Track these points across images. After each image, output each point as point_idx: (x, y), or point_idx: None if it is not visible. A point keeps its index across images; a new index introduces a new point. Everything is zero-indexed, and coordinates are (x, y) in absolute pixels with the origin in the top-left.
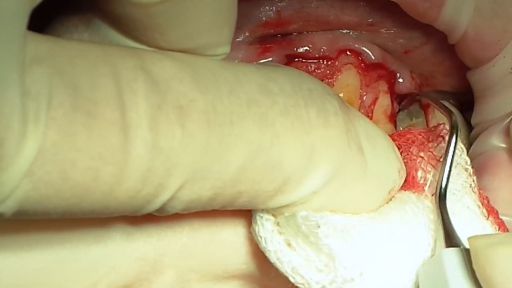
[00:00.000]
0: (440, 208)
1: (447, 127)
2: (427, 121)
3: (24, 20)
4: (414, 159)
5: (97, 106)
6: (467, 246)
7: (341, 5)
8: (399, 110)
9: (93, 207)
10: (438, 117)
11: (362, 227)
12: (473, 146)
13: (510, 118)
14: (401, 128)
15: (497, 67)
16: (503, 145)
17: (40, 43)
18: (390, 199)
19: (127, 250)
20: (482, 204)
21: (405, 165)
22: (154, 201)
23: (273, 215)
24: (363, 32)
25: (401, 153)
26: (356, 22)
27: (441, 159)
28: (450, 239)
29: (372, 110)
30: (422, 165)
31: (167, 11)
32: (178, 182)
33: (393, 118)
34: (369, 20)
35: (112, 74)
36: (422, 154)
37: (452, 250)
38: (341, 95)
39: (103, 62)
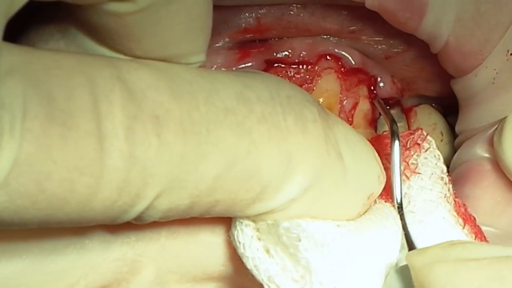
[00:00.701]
0: (401, 221)
1: (424, 133)
2: (408, 126)
3: None
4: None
5: (73, 116)
6: None
7: (322, 13)
8: (380, 114)
9: (69, 217)
10: (420, 121)
11: (342, 241)
12: (457, 153)
13: (494, 128)
14: (382, 132)
15: (479, 77)
16: (487, 155)
17: (15, 54)
18: (370, 205)
19: (105, 251)
20: (458, 213)
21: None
22: (130, 211)
23: (253, 220)
24: (344, 38)
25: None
26: (337, 30)
27: (416, 169)
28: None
29: (353, 114)
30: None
31: (142, 20)
32: (154, 191)
33: (373, 123)
34: (351, 28)
35: (88, 84)
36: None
37: (400, 267)
38: (321, 100)
39: (79, 72)
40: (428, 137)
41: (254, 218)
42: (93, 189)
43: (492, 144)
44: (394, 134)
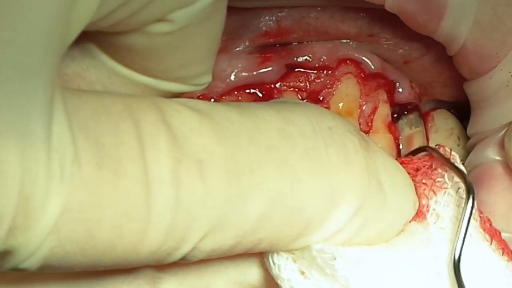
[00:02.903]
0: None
1: (447, 149)
2: (426, 130)
3: (52, 72)
4: (418, 187)
5: (122, 164)
6: None
7: (341, 16)
8: (399, 119)
9: (116, 261)
10: (437, 126)
11: (377, 257)
12: (469, 157)
13: (504, 131)
14: (400, 137)
15: (494, 80)
16: (498, 158)
17: (66, 97)
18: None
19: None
20: (484, 229)
21: None
22: (175, 253)
23: None
24: (363, 42)
25: None
26: (356, 33)
27: (443, 186)
28: None
29: (372, 119)
30: (425, 192)
31: (171, 41)
32: (199, 234)
33: (392, 128)
34: (369, 31)
35: (134, 130)
36: (424, 181)
37: None
38: (340, 104)
39: (126, 117)
40: (453, 153)
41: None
42: (141, 235)
43: (503, 147)
44: (469, 191)
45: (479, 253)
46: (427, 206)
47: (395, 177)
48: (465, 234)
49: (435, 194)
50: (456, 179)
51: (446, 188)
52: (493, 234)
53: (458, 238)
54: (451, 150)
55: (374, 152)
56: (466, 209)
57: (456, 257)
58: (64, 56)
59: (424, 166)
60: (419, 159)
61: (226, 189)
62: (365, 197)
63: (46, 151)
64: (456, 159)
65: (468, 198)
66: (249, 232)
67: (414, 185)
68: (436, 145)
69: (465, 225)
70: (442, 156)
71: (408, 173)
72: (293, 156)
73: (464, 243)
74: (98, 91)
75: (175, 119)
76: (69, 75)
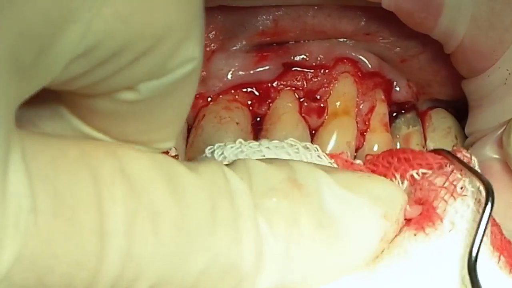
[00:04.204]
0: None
1: (468, 154)
2: (423, 129)
3: (8, 121)
4: (434, 190)
5: (78, 214)
6: None
7: (338, 14)
8: (396, 117)
9: None
10: (435, 125)
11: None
12: None
13: (503, 129)
14: (398, 136)
15: (492, 78)
16: (496, 156)
17: (25, 142)
18: (388, 245)
19: None
20: (494, 246)
21: (425, 195)
22: None
23: None
24: (360, 41)
25: (420, 179)
26: (353, 31)
27: (463, 193)
28: None
29: (369, 118)
30: (445, 197)
31: (137, 109)
32: (144, 286)
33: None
34: (366, 30)
35: (91, 178)
36: (446, 184)
37: None
38: (337, 103)
39: (83, 165)
40: (473, 157)
41: None
42: (89, 283)
43: (502, 145)
44: (489, 196)
45: (486, 270)
46: (445, 211)
47: (349, 201)
48: (481, 240)
49: (455, 200)
50: (475, 184)
51: (466, 195)
52: (503, 248)
53: (475, 240)
54: (471, 155)
55: (318, 186)
56: (484, 214)
57: (473, 260)
58: (45, 119)
59: (437, 165)
60: (432, 156)
61: (176, 245)
62: (292, 243)
63: (1, 200)
64: (475, 163)
65: (487, 204)
66: (189, 285)
67: (430, 187)
68: (453, 148)
69: (483, 229)
70: (462, 162)
71: (421, 166)
72: (232, 215)
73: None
74: (58, 135)
75: (132, 168)
76: (23, 121)
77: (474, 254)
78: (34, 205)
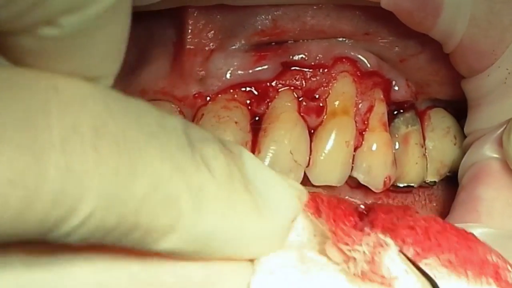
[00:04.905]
0: None
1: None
2: (422, 129)
3: None
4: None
5: (5, 129)
6: None
7: (337, 14)
8: (395, 117)
9: (2, 231)
10: (434, 125)
11: None
12: (466, 155)
13: (503, 128)
14: (396, 136)
15: (492, 77)
16: (496, 155)
17: None
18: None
19: None
20: None
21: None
22: (63, 226)
23: None
24: (359, 40)
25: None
26: (352, 31)
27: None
28: None
29: (368, 118)
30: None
31: (62, 46)
32: (89, 206)
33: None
34: (365, 29)
35: (21, 96)
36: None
37: None
38: (336, 102)
39: (13, 84)
40: None
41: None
42: (27, 202)
43: (501, 144)
44: None
45: None
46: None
47: (265, 178)
48: None
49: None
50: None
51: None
52: None
53: None
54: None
55: (239, 157)
56: None
57: None
58: None
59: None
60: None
61: (117, 162)
62: (230, 201)
63: None
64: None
65: None
66: (132, 212)
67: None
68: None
69: None
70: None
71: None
72: (170, 147)
73: None
74: None
75: (68, 86)
76: None
77: None
78: None
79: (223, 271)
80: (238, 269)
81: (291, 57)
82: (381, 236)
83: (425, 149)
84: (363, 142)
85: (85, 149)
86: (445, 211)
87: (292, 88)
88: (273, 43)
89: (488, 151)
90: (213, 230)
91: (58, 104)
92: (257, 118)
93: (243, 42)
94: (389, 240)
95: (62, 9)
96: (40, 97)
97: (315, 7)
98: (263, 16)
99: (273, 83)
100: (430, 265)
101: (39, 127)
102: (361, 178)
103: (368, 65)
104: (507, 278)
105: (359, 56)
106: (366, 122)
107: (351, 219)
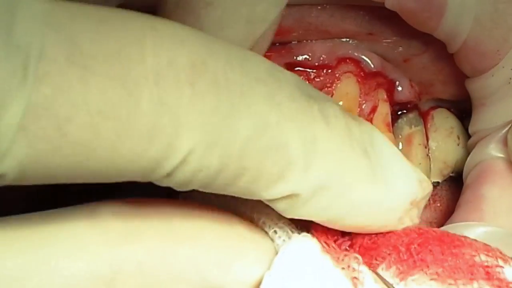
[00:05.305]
0: None
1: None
2: (426, 129)
3: None
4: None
5: (96, 61)
6: None
7: (342, 14)
8: (398, 117)
9: (98, 166)
10: (437, 125)
11: None
12: (470, 155)
13: (508, 128)
14: (400, 136)
15: (496, 77)
16: (501, 155)
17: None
18: (416, 213)
19: None
20: None
21: None
22: (164, 164)
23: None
24: (363, 40)
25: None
26: (356, 31)
27: None
28: None
29: (372, 118)
30: None
31: None
32: (188, 144)
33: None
34: (369, 29)
35: (117, 31)
36: None
37: None
38: (340, 103)
39: (108, 20)
40: None
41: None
42: (119, 135)
43: (506, 144)
44: None
45: None
46: None
47: (385, 150)
48: None
49: None
50: None
51: None
52: None
53: None
54: None
55: (360, 124)
56: None
57: None
58: None
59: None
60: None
61: (216, 100)
62: (348, 159)
63: (5, 46)
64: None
65: None
66: (235, 155)
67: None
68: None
69: None
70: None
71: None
72: (280, 95)
73: None
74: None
75: (165, 27)
76: None
77: None
78: (45, 53)
79: (242, 252)
80: (258, 254)
81: (295, 57)
82: (354, 264)
83: (428, 149)
84: None
85: (180, 84)
86: (449, 211)
87: None
88: (277, 44)
89: (493, 150)
90: (324, 184)
91: (153, 39)
92: None
93: None
94: (362, 267)
95: None
96: (135, 33)
97: (319, 7)
98: None
99: None
100: (418, 280)
101: (132, 60)
102: None
103: (372, 66)
104: (499, 275)
105: (363, 56)
106: (370, 123)
107: (333, 233)
